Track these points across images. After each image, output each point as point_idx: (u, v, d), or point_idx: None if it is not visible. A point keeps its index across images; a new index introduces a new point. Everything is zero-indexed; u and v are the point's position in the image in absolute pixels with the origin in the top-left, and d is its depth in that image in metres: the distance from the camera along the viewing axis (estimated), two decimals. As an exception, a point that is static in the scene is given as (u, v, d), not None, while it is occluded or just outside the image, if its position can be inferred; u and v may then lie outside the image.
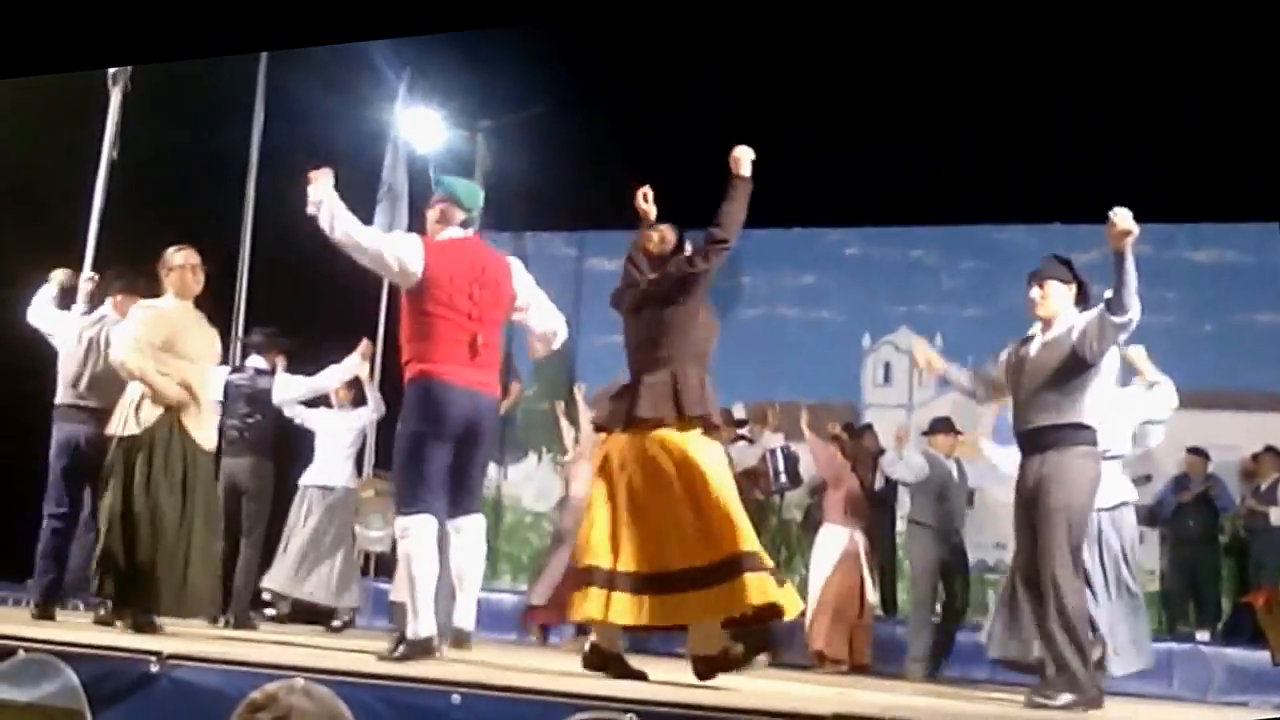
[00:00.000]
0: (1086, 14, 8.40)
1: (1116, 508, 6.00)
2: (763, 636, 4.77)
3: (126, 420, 5.56)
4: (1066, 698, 4.69)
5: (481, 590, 5.03)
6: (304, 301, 9.02)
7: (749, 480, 8.93)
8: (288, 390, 7.54)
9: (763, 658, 6.05)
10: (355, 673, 3.78)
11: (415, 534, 4.62)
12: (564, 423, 9.37)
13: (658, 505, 4.52)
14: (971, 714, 4.15)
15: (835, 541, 8.12)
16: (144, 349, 5.52)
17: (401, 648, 4.57)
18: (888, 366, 11.10)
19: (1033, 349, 5.02)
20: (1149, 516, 9.03)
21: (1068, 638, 4.72)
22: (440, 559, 4.68)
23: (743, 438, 9.28)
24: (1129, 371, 6.06)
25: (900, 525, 8.86)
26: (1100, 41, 8.56)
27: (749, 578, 4.31)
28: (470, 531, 4.80)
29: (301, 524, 8.07)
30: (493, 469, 11.24)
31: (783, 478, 8.86)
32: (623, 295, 4.88)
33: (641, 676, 4.48)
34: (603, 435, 4.83)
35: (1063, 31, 8.52)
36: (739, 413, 9.53)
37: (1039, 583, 4.79)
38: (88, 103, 8.39)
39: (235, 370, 7.58)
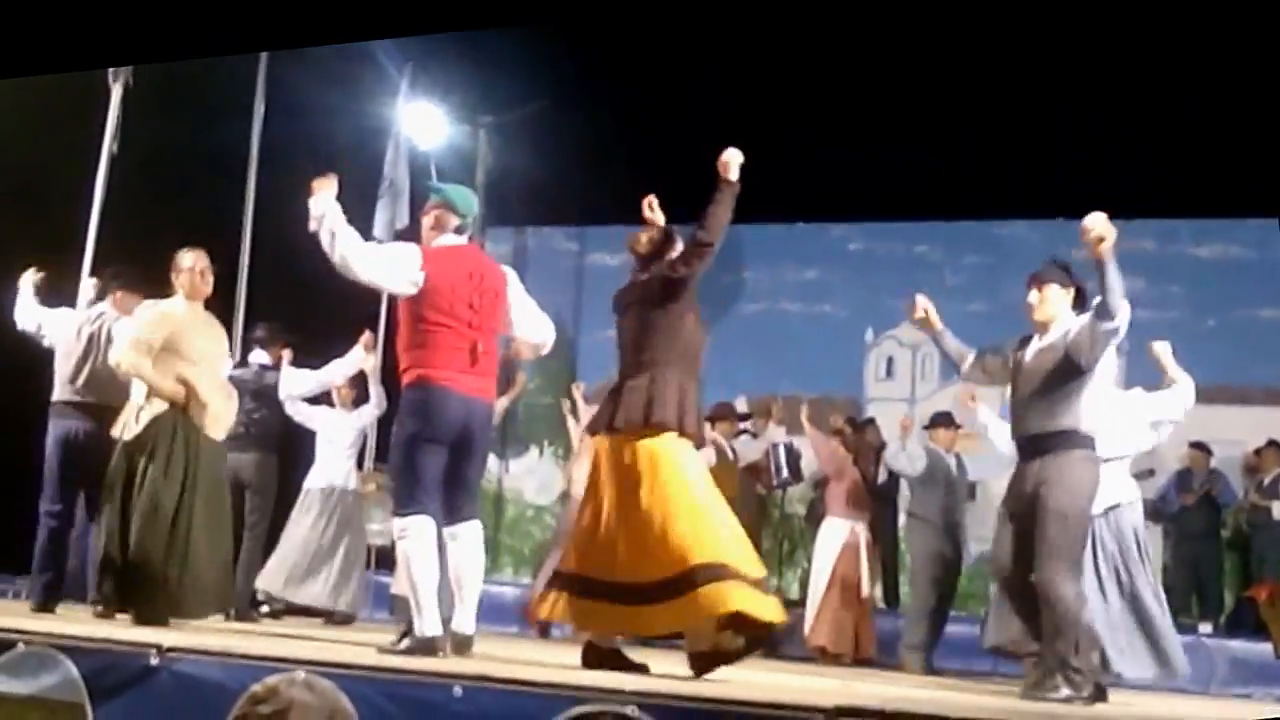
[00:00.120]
0: (1090, 10, 8.39)
1: (1113, 509, 5.93)
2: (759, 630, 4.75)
3: (128, 423, 5.55)
4: (1065, 692, 4.69)
5: (483, 583, 5.03)
6: (305, 298, 9.00)
7: (752, 475, 8.97)
8: (293, 385, 7.50)
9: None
10: (357, 665, 3.78)
11: (414, 534, 4.62)
12: (570, 421, 9.36)
13: (628, 514, 4.49)
14: (973, 706, 4.14)
15: (838, 535, 8.16)
16: (141, 348, 5.49)
17: (406, 641, 4.58)
18: (890, 361, 11.10)
19: (1029, 354, 5.00)
20: (1152, 511, 9.00)
21: (1065, 639, 4.70)
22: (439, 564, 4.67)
23: (746, 432, 9.28)
24: (1136, 370, 6.03)
25: (903, 519, 8.86)
26: (1103, 37, 8.54)
27: (704, 591, 4.27)
28: (467, 538, 4.78)
29: (301, 526, 8.03)
30: (494, 462, 11.26)
31: (785, 473, 8.87)
32: (621, 296, 4.87)
33: (643, 669, 4.47)
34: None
35: (1066, 27, 8.51)
36: (742, 407, 9.53)
37: (1034, 585, 4.77)
38: (88, 101, 8.40)
39: (239, 366, 7.55)
